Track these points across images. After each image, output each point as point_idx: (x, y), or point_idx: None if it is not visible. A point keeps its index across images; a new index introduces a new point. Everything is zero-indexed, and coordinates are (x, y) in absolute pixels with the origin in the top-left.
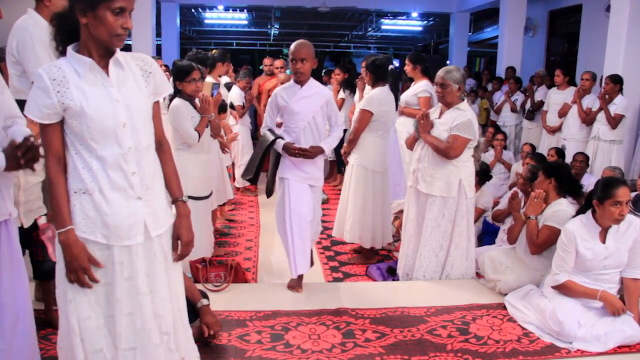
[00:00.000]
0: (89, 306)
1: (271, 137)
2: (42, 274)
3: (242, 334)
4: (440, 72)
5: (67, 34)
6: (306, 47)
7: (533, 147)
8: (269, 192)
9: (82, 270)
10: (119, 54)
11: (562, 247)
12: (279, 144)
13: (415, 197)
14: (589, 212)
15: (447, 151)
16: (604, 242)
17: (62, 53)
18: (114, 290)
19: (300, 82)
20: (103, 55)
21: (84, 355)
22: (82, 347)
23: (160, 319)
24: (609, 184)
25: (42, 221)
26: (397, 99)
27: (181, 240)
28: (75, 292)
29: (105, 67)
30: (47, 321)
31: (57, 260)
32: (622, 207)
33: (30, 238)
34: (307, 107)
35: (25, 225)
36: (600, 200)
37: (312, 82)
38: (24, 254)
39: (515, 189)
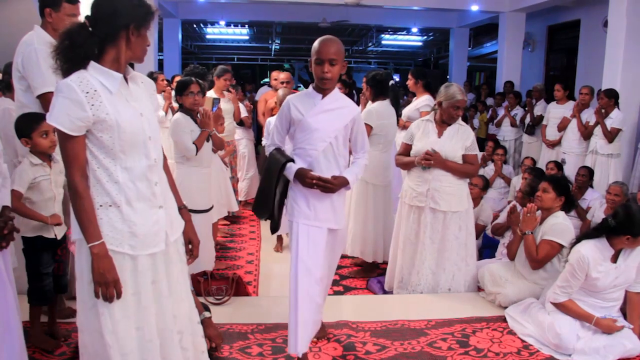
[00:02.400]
0: (124, 323)
1: (281, 160)
2: (60, 287)
3: (244, 347)
4: (463, 96)
5: (89, 51)
6: (336, 45)
7: (534, 162)
8: (275, 228)
9: (113, 283)
10: (131, 71)
11: (572, 272)
12: (290, 169)
13: (431, 216)
14: (602, 237)
15: (474, 172)
16: (614, 262)
17: (71, 70)
18: (141, 298)
19: (324, 90)
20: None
21: None
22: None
23: (176, 318)
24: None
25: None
26: (398, 114)
27: (192, 243)
28: (108, 308)
29: (126, 81)
30: (49, 333)
31: (81, 278)
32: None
33: (54, 254)
34: (329, 123)
35: (59, 237)
36: (635, 235)
37: (337, 93)
38: (49, 266)
39: (513, 202)
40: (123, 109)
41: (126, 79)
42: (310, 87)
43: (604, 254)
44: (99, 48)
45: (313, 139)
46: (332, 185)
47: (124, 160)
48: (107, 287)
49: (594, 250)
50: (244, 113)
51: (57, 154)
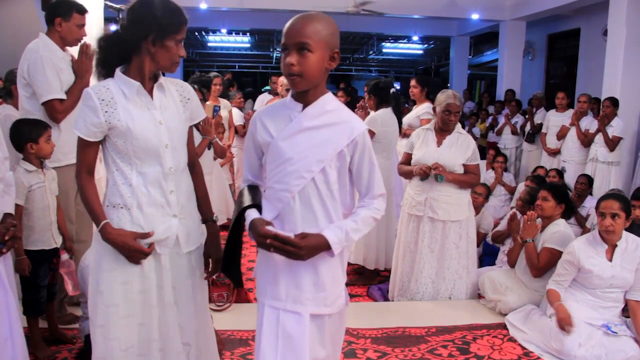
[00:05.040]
0: (120, 325)
1: (243, 204)
2: (49, 295)
3: (245, 353)
4: (455, 100)
5: (117, 57)
6: (313, 22)
7: (546, 171)
8: (238, 282)
9: (135, 253)
10: (162, 80)
11: (563, 263)
12: (248, 218)
13: (429, 225)
14: (596, 230)
15: (476, 182)
16: (610, 260)
17: (107, 74)
18: (147, 297)
19: (304, 97)
20: (150, 79)
21: None
22: None
23: (183, 330)
24: (600, 197)
25: (65, 257)
26: (400, 122)
27: (212, 258)
28: (108, 309)
29: (150, 91)
30: (51, 339)
31: (93, 273)
32: (606, 219)
33: (50, 262)
34: (310, 149)
35: (58, 245)
36: (596, 211)
37: (329, 101)
38: (46, 278)
39: (514, 210)
40: (138, 116)
41: (152, 87)
42: (289, 95)
43: (596, 247)
44: (127, 56)
45: (285, 173)
46: (295, 250)
47: (139, 165)
48: (134, 258)
49: (584, 243)
50: (239, 121)
51: (48, 161)
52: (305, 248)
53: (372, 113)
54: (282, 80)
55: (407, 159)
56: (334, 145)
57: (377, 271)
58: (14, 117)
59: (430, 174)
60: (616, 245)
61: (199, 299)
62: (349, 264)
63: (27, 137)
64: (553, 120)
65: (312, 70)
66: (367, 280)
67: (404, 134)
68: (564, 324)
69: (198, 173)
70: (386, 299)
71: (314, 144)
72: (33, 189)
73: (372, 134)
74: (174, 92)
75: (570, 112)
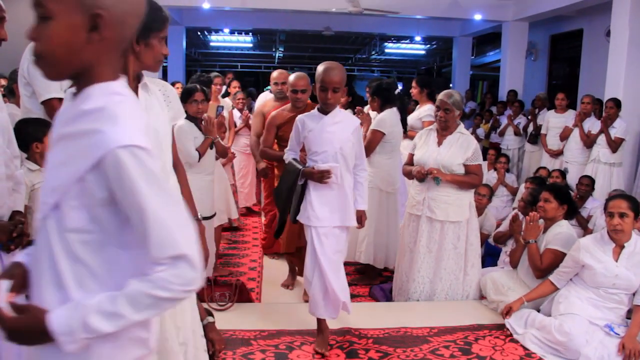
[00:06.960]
0: None
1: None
2: None
3: (247, 353)
4: (443, 97)
5: None
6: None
7: (549, 172)
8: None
9: None
10: (146, 79)
11: (568, 258)
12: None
13: (427, 224)
14: (605, 230)
15: (478, 182)
16: (617, 260)
17: None
18: None
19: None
20: (134, 80)
21: None
22: None
23: (179, 330)
24: (609, 197)
25: None
26: (405, 123)
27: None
28: None
29: (134, 91)
30: None
31: None
32: (614, 218)
33: None
34: (51, 169)
35: None
36: (604, 212)
37: (92, 95)
38: None
39: (516, 211)
40: None
41: (137, 87)
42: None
43: (604, 246)
44: None
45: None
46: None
47: None
48: None
49: (591, 240)
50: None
51: None
52: (12, 330)
53: (379, 114)
54: (273, 74)
55: (411, 159)
56: (70, 169)
57: (379, 271)
58: (16, 115)
59: (426, 177)
60: (624, 246)
61: (192, 297)
62: (357, 263)
63: (33, 136)
64: (553, 121)
65: (50, 47)
66: (370, 280)
67: (407, 136)
68: (505, 310)
69: (180, 172)
70: (389, 299)
71: (56, 162)
72: (36, 187)
73: (381, 134)
74: (157, 92)
75: (570, 112)
